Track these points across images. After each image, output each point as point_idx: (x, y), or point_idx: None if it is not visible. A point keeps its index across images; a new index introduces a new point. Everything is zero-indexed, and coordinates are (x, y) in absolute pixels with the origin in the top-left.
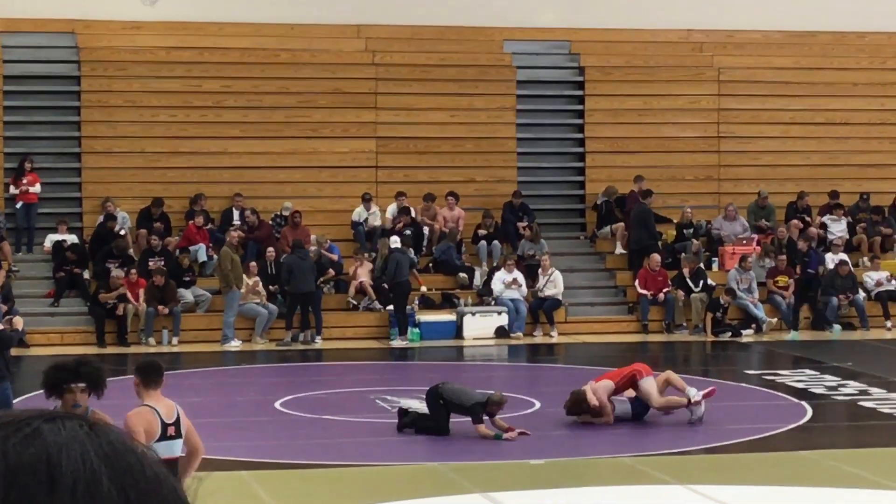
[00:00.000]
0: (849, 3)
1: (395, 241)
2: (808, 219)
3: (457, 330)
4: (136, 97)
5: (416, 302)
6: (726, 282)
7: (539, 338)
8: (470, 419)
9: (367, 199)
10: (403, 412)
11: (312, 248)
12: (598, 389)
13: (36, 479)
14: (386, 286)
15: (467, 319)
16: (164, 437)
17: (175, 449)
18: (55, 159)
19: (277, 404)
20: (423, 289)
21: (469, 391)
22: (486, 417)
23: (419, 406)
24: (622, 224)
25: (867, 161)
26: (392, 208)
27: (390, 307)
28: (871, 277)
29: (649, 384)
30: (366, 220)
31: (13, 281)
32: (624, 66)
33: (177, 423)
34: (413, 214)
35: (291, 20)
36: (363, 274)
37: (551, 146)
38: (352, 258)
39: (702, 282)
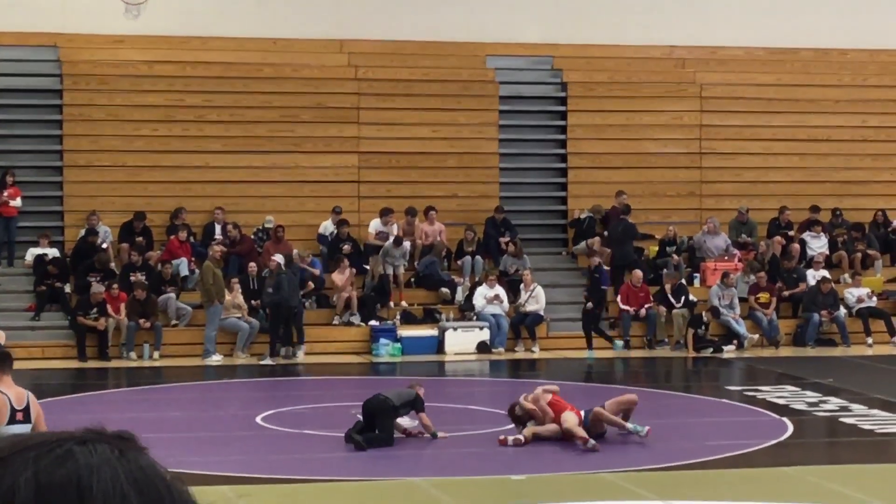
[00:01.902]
0: (831, 21)
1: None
2: (791, 234)
3: (438, 345)
4: (119, 111)
5: (398, 317)
6: (708, 298)
7: (521, 353)
8: (415, 412)
9: (337, 212)
10: (352, 434)
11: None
12: (537, 399)
13: (66, 501)
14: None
15: (449, 334)
16: (12, 421)
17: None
18: (37, 173)
19: (259, 419)
20: (404, 304)
21: (400, 391)
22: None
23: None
24: (597, 239)
25: (848, 178)
26: (375, 223)
27: (372, 322)
28: (852, 294)
29: (569, 415)
30: (332, 233)
31: None
32: (606, 82)
33: (26, 410)
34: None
35: (274, 35)
36: (339, 281)
37: (533, 161)
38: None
39: (683, 297)
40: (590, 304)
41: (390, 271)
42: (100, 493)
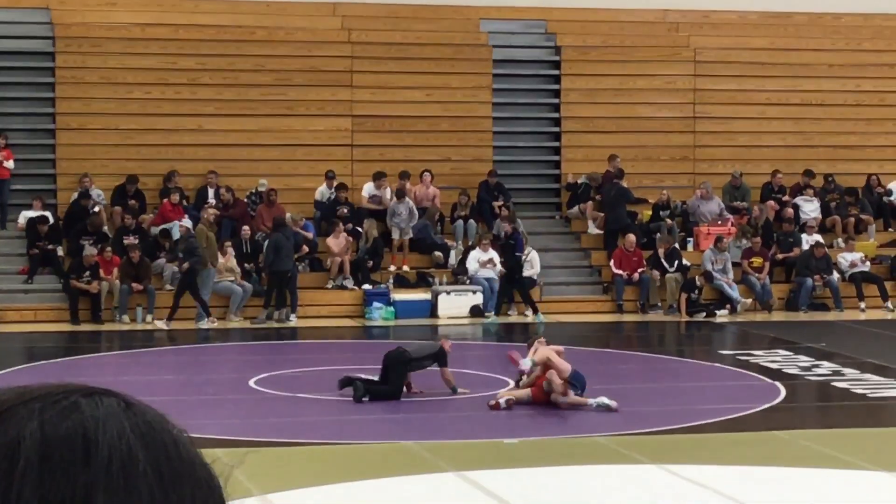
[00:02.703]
0: None
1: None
2: (784, 199)
3: (431, 309)
4: (111, 74)
5: (391, 280)
6: (701, 262)
7: (514, 317)
8: (437, 365)
9: (330, 178)
10: (349, 382)
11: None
12: (545, 355)
13: (71, 453)
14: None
15: (442, 298)
16: None
17: None
18: (29, 136)
19: (252, 382)
20: (406, 267)
21: (423, 343)
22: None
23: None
24: (590, 203)
25: (842, 142)
26: (368, 187)
27: (366, 286)
28: (845, 259)
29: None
30: (328, 198)
31: None
32: (600, 46)
33: None
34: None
35: None
36: (336, 246)
37: (527, 125)
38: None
39: (676, 262)
40: (501, 270)
41: (396, 235)
42: (105, 445)
